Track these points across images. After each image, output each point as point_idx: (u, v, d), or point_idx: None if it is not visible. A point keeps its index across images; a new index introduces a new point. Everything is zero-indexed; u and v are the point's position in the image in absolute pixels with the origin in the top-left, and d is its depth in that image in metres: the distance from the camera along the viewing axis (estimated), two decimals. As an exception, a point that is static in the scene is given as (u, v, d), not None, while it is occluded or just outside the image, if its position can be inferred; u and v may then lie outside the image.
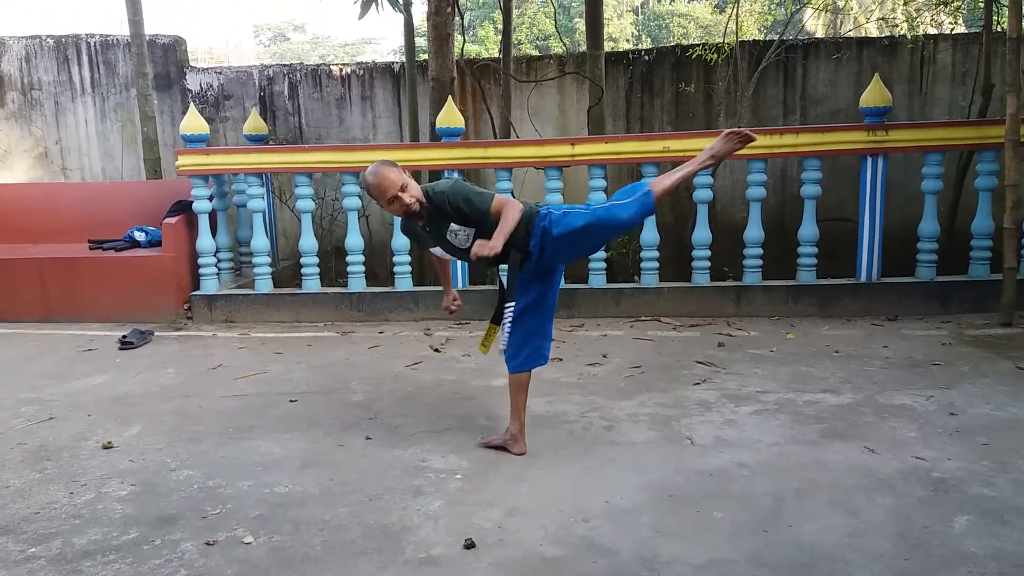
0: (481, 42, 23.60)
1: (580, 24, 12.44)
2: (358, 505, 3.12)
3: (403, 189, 3.36)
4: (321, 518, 3.02)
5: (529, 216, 3.43)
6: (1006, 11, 5.75)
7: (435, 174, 6.75)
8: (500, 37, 8.45)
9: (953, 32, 8.50)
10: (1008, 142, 5.45)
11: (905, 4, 8.12)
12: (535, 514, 3.00)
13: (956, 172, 7.12)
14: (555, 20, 12.86)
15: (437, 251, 3.74)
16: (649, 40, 26.97)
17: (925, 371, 4.57)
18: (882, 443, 3.56)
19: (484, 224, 3.38)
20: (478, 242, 3.27)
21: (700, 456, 3.50)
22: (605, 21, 26.17)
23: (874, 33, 11.48)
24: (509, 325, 3.56)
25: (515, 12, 25.14)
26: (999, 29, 7.04)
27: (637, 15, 29.69)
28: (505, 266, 3.51)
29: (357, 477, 3.38)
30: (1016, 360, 4.68)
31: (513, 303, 3.51)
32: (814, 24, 18.35)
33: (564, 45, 10.79)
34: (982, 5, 7.04)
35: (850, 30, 15.35)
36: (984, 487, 3.10)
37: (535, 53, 18.22)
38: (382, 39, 45.92)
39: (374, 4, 6.13)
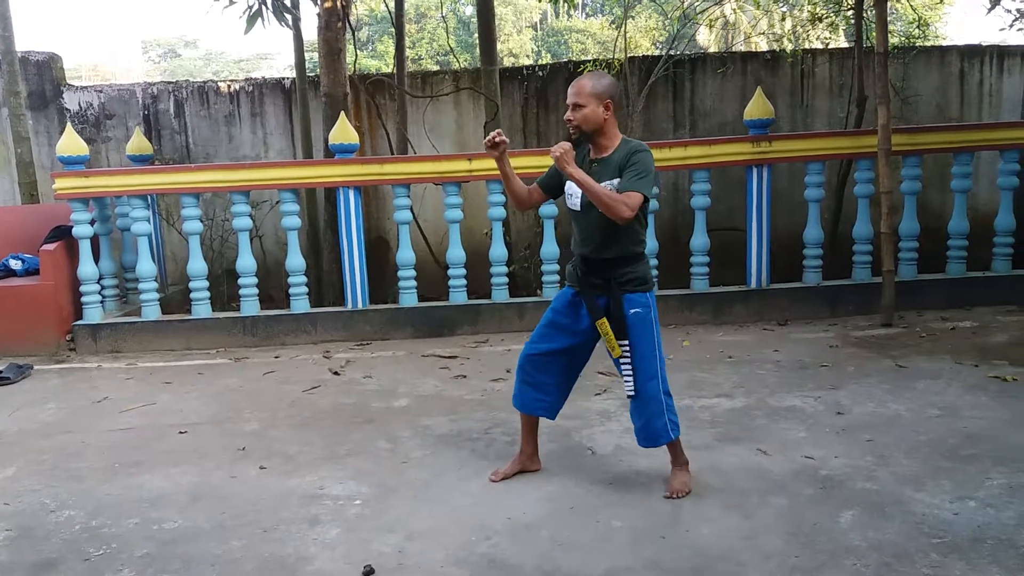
0: (381, 57, 23.44)
1: (478, 40, 12.47)
2: (252, 537, 3.01)
3: (581, 106, 3.10)
4: (213, 553, 2.90)
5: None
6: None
7: (330, 191, 6.63)
8: (396, 52, 8.37)
9: (829, 47, 8.94)
10: (881, 151, 5.74)
11: (783, 20, 8.49)
12: (436, 536, 2.96)
13: (837, 180, 7.46)
14: (447, 36, 12.86)
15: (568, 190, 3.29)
16: (549, 55, 27.40)
17: (813, 373, 4.75)
18: (774, 444, 3.68)
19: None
20: (560, 144, 3.03)
21: (600, 466, 3.54)
22: (504, 37, 26.48)
23: (764, 47, 11.97)
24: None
25: (416, 27, 25.18)
26: (869, 44, 7.42)
27: (536, 31, 30.13)
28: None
29: (251, 509, 3.26)
30: (896, 359, 4.92)
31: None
32: (707, 39, 19.03)
33: (458, 61, 10.78)
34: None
35: (739, 43, 15.96)
36: (867, 482, 3.24)
37: (436, 68, 18.21)
38: (278, 54, 44.92)
39: (260, 19, 5.97)
